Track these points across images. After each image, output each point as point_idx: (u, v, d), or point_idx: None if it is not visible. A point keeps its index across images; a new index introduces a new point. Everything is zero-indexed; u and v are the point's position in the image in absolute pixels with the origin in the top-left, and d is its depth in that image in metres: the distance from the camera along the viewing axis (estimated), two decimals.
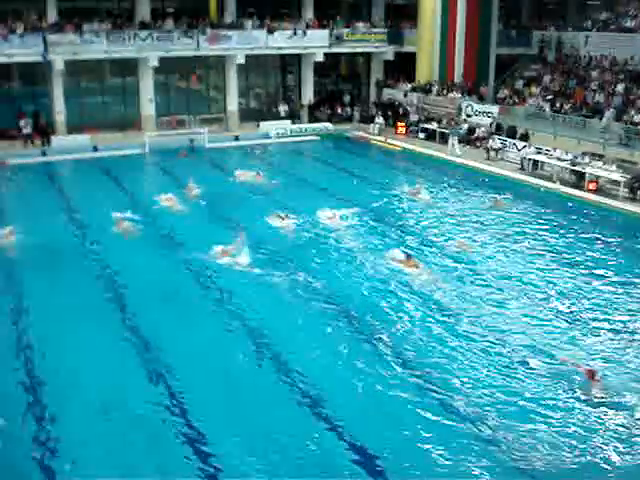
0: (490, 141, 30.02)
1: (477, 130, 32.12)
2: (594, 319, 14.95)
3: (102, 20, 34.24)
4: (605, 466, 10.20)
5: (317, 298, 15.91)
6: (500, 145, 29.70)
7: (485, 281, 17.14)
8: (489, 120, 31.97)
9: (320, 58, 37.74)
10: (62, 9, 33.68)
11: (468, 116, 33.08)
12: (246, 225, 20.36)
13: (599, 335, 14.23)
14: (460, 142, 31.13)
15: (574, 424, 11.19)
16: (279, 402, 11.86)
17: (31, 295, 16.18)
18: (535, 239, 20.28)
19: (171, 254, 18.92)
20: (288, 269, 17.44)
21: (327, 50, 37.82)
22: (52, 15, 33.43)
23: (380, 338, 13.96)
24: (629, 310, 15.45)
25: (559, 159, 26.64)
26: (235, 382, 12.49)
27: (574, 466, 10.19)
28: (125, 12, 36.20)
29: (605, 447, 10.58)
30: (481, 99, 34.14)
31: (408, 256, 17.98)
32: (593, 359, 13.11)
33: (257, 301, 15.79)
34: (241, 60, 35.98)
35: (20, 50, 31.42)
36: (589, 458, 10.34)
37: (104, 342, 13.88)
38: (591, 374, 12.16)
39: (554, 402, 11.79)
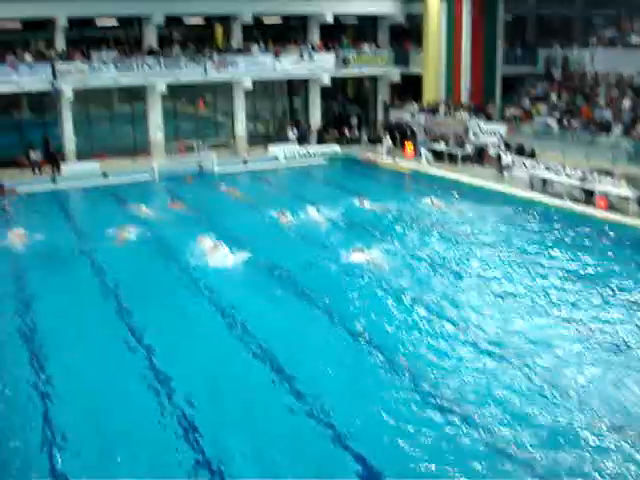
0: (503, 156, 30.02)
1: (485, 149, 32.15)
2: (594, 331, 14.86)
3: (110, 48, 34.60)
4: None
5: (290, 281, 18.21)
6: (511, 161, 29.67)
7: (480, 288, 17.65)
8: (496, 139, 31.96)
9: (327, 81, 37.93)
10: (70, 38, 34.08)
11: (475, 135, 33.08)
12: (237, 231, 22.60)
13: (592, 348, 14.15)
14: (467, 161, 31.30)
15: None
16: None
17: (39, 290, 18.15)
18: (544, 256, 20.16)
19: (164, 257, 20.86)
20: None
21: (333, 73, 38.04)
22: (60, 44, 33.80)
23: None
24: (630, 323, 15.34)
25: (568, 176, 26.56)
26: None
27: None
28: (133, 40, 36.56)
29: None
30: (488, 118, 34.14)
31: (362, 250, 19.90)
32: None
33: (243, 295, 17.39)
34: (248, 85, 36.20)
35: (29, 79, 31.81)
36: None
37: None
38: None
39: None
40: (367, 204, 26.10)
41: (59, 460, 10.80)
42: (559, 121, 30.73)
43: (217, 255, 19.53)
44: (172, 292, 17.83)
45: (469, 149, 32.83)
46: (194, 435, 11.40)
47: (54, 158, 32.58)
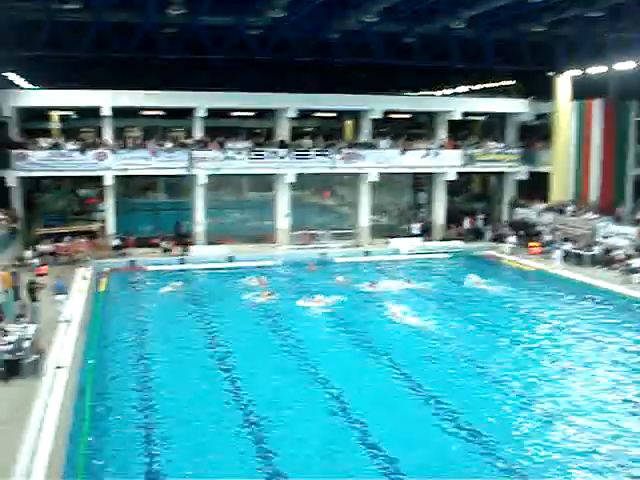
0: (632, 260, 28.96)
1: (614, 252, 31.12)
2: None
3: (244, 138, 36.23)
4: None
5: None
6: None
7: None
8: (626, 242, 30.96)
9: (452, 177, 38.07)
10: (207, 127, 35.85)
11: (604, 237, 32.16)
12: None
13: None
14: (595, 263, 30.48)
15: None
16: None
17: None
18: None
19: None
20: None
21: (459, 169, 38.14)
22: (198, 132, 35.63)
23: None
24: None
25: None
26: None
27: None
28: (265, 131, 38.14)
29: None
30: (618, 220, 33.20)
31: None
32: None
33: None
34: (374, 178, 36.78)
35: (167, 164, 33.59)
36: None
37: None
38: None
39: None
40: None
41: None
42: None
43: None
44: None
45: (596, 251, 31.90)
46: None
47: (184, 241, 33.99)
